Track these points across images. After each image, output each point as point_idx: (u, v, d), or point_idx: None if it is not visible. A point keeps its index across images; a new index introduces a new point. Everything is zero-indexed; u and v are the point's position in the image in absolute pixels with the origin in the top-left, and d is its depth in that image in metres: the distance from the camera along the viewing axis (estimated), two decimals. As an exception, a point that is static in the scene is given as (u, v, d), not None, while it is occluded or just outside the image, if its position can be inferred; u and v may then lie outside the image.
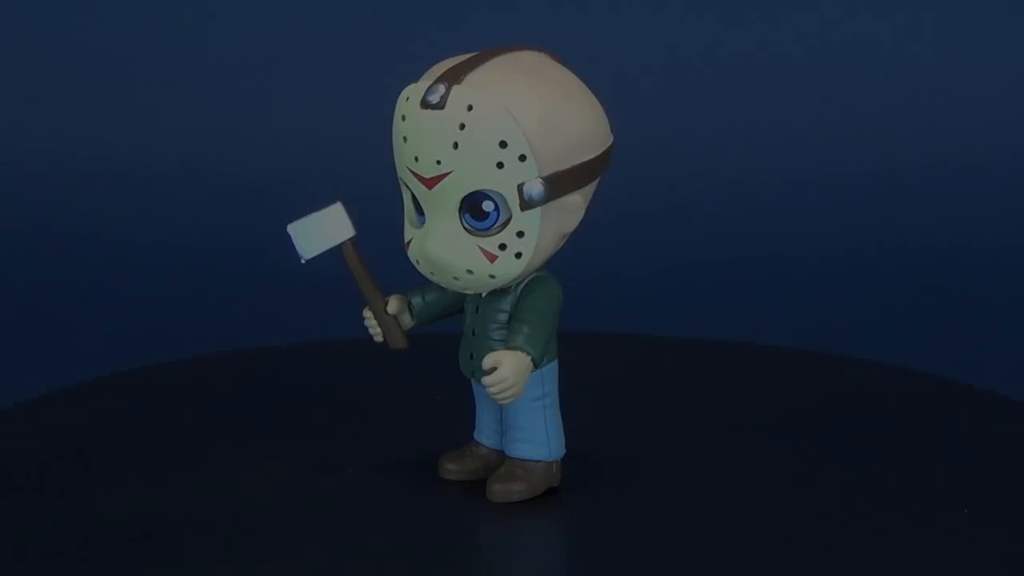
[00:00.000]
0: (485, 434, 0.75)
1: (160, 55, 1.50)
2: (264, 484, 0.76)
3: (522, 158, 0.68)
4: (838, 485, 0.76)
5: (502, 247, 0.70)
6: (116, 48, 1.50)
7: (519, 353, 0.70)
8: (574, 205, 0.70)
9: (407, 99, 0.69)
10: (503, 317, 0.72)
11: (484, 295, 0.72)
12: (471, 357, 0.73)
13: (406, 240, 0.72)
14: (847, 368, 0.93)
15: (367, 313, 0.74)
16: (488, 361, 0.70)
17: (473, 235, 0.70)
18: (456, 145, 0.68)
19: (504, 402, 0.70)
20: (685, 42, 1.52)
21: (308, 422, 0.84)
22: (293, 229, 0.73)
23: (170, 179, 1.45)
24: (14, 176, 1.45)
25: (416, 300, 0.74)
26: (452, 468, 0.75)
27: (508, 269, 0.70)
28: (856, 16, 1.53)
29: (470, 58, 0.70)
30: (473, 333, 0.73)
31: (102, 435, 0.82)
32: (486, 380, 0.70)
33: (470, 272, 0.70)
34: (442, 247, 0.70)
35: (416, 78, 0.71)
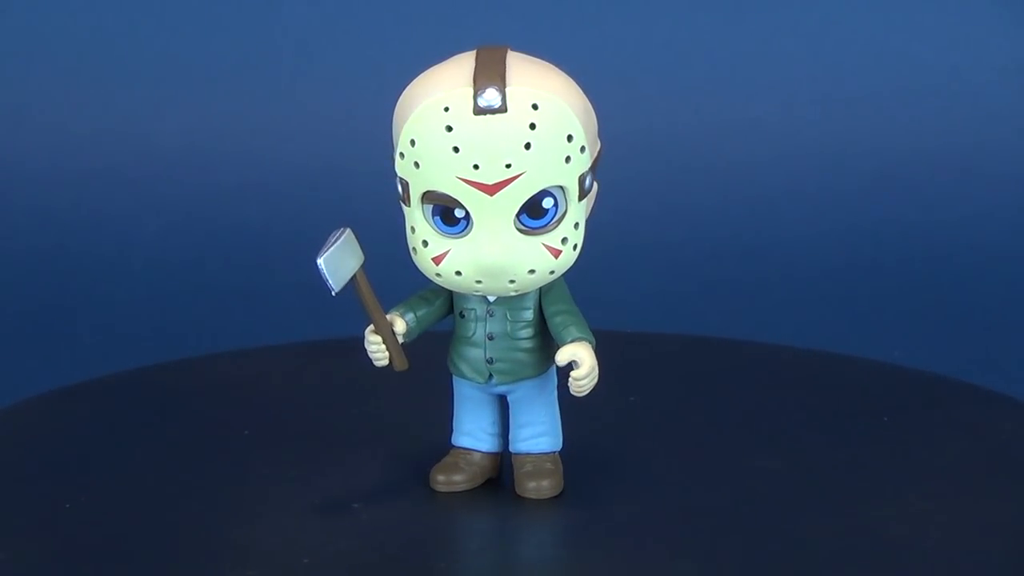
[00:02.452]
0: (477, 437, 0.75)
1: (160, 54, 1.50)
2: (264, 486, 0.76)
3: (582, 149, 0.69)
4: (838, 484, 0.76)
5: (564, 241, 0.70)
6: (115, 47, 1.50)
7: (586, 343, 0.71)
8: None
9: (446, 109, 0.68)
10: (528, 316, 0.73)
11: (494, 299, 0.72)
12: (489, 362, 0.73)
13: (434, 255, 0.70)
14: (847, 367, 0.93)
15: (373, 338, 0.72)
16: (564, 357, 0.71)
17: (530, 234, 0.70)
18: (528, 146, 0.68)
19: (585, 393, 0.71)
20: (684, 40, 1.52)
21: (308, 423, 0.84)
22: (323, 263, 0.69)
23: (170, 178, 1.45)
24: (14, 175, 1.45)
25: (409, 317, 0.73)
26: (447, 480, 0.75)
27: (567, 262, 0.71)
28: (856, 15, 1.53)
29: (479, 61, 0.69)
30: (490, 338, 0.73)
31: (102, 436, 0.82)
32: (577, 374, 0.70)
33: (532, 272, 0.70)
34: (503, 251, 0.70)
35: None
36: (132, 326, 1.26)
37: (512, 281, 0.70)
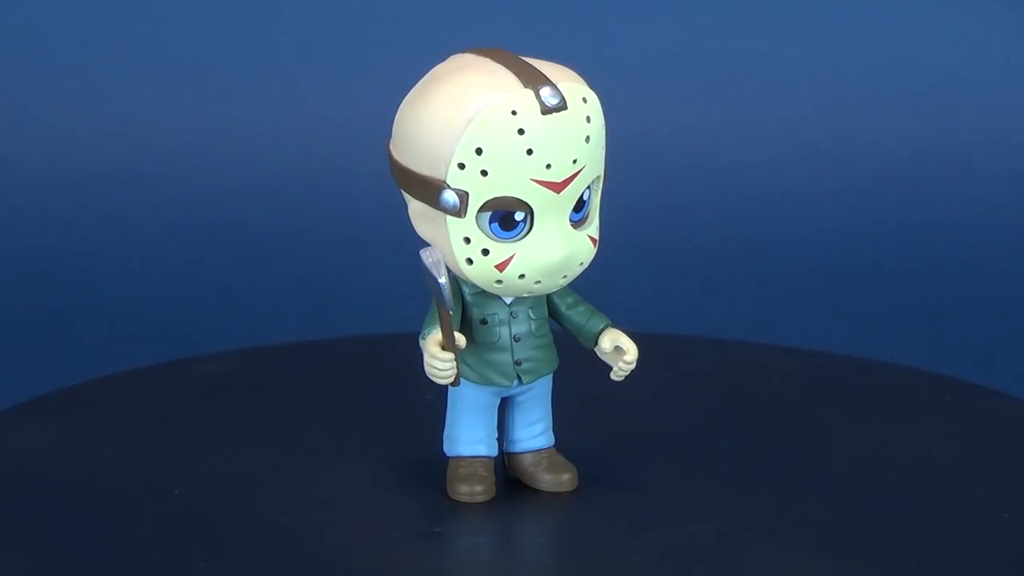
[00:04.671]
0: (488, 444, 0.75)
1: (160, 54, 1.50)
2: (265, 489, 0.76)
3: (605, 138, 0.71)
4: (839, 485, 0.76)
5: (597, 230, 0.72)
6: (115, 47, 1.50)
7: (616, 328, 0.73)
8: None
9: (513, 113, 0.67)
10: (543, 312, 0.73)
11: (511, 300, 0.72)
12: (517, 364, 0.73)
13: (497, 262, 0.70)
14: (847, 367, 0.93)
15: (445, 355, 0.70)
16: (609, 343, 0.72)
17: (577, 227, 0.71)
18: (588, 139, 0.69)
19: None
20: (684, 40, 1.52)
21: (310, 423, 0.84)
22: (446, 283, 0.68)
23: (170, 178, 1.45)
24: (14, 175, 1.45)
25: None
26: (471, 490, 0.74)
27: (596, 250, 0.72)
28: (856, 15, 1.53)
29: (506, 62, 0.69)
30: (516, 339, 0.73)
31: (102, 436, 0.82)
32: (629, 358, 0.72)
33: (581, 264, 0.71)
34: (565, 247, 0.70)
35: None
36: (132, 326, 1.26)
37: (564, 276, 0.71)
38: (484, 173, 0.68)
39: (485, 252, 0.70)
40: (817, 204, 1.45)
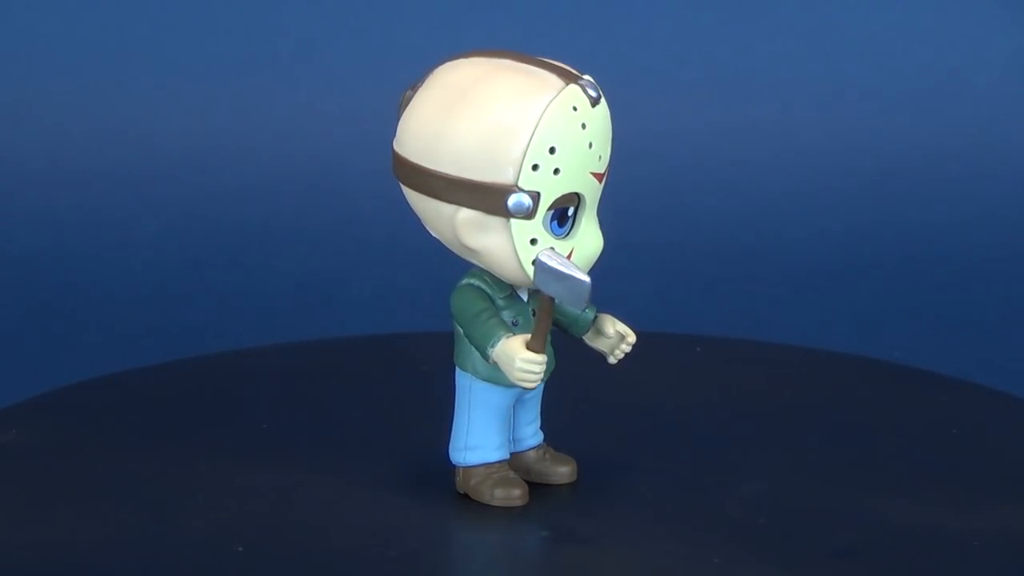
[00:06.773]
0: (505, 448, 0.74)
1: (160, 54, 1.50)
2: (266, 491, 0.76)
3: None
4: (839, 483, 0.77)
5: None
6: (115, 47, 1.50)
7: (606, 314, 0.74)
8: None
9: (574, 108, 0.68)
10: None
11: (527, 298, 0.72)
12: None
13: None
14: (847, 367, 0.93)
15: (540, 358, 0.70)
16: (611, 328, 0.73)
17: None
18: (612, 127, 0.70)
19: None
20: (684, 40, 1.52)
21: (310, 423, 0.84)
22: (588, 280, 0.68)
23: (170, 178, 1.45)
24: (14, 175, 1.45)
25: None
26: (506, 495, 0.73)
27: None
28: (856, 15, 1.53)
29: (534, 61, 0.69)
30: None
31: (102, 436, 0.82)
32: (631, 340, 0.73)
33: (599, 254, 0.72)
34: (600, 237, 0.71)
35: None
36: (132, 326, 1.26)
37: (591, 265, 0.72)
38: (556, 171, 0.68)
39: (551, 251, 0.69)
40: (817, 204, 1.45)
